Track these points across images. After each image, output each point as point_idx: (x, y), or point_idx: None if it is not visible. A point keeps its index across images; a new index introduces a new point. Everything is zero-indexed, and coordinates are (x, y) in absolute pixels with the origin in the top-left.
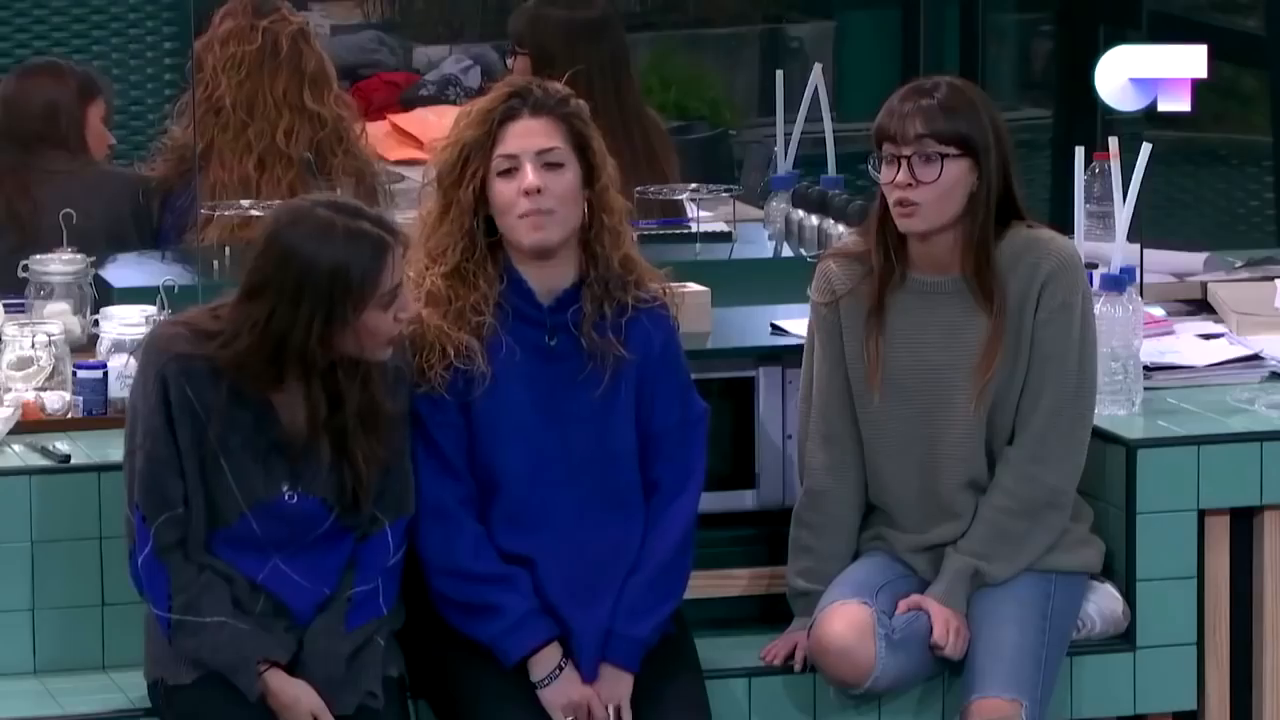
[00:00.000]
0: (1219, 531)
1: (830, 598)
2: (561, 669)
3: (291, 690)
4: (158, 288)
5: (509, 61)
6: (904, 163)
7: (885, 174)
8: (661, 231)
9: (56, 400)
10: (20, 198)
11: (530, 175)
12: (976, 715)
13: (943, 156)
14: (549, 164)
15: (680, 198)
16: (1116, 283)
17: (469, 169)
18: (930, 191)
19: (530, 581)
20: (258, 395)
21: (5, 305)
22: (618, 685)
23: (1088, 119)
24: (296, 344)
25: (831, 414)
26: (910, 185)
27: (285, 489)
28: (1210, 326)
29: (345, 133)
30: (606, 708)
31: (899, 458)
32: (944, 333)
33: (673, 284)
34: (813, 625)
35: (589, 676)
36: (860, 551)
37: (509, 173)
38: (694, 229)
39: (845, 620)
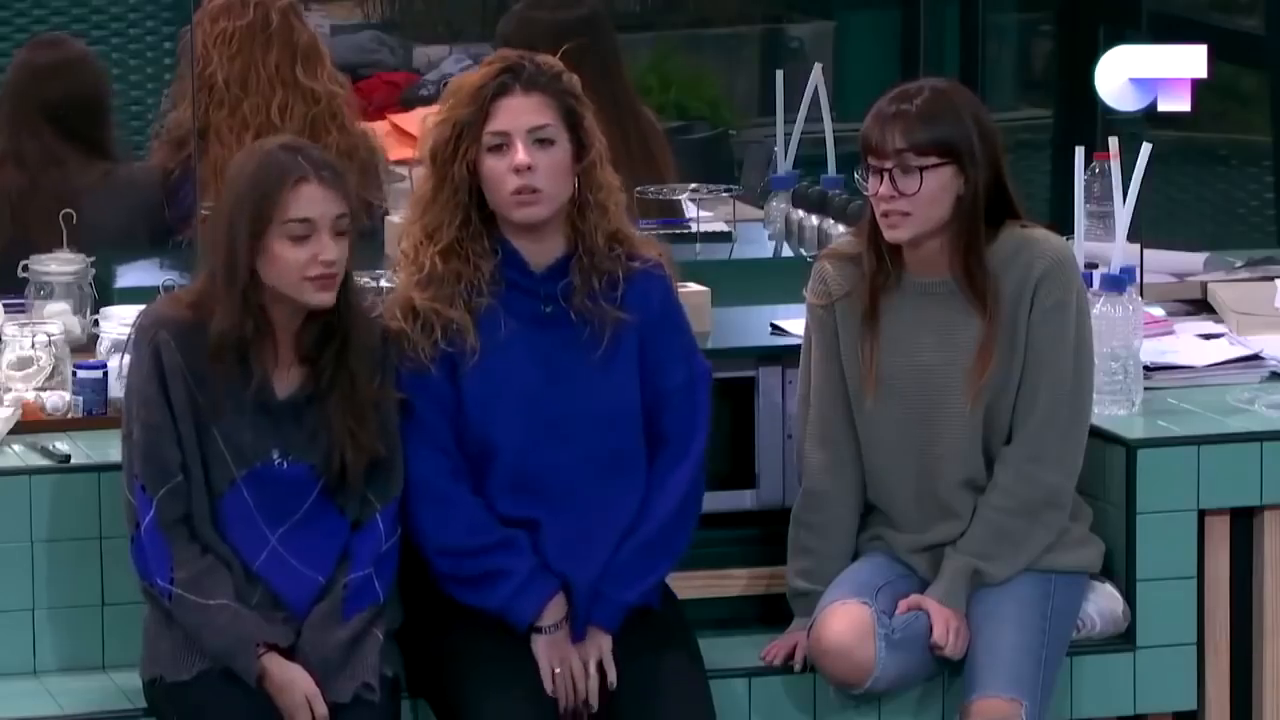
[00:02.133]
0: (1219, 531)
1: (830, 598)
2: (559, 627)
3: (287, 673)
4: (158, 287)
5: None
6: (886, 175)
7: (870, 185)
8: (661, 231)
9: (56, 400)
10: (42, 209)
11: (521, 153)
12: (976, 715)
13: (921, 169)
14: (540, 140)
15: (680, 198)
16: (1116, 283)
17: (461, 145)
18: (913, 202)
19: (529, 541)
20: (246, 355)
21: (5, 305)
22: (597, 643)
23: (1088, 119)
24: (233, 262)
25: (829, 414)
26: (893, 197)
27: (275, 454)
28: (1210, 326)
29: (339, 110)
30: (586, 664)
31: (896, 458)
32: (939, 334)
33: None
34: (812, 625)
35: (578, 634)
36: (860, 551)
37: (499, 149)
38: (694, 229)
39: (845, 620)
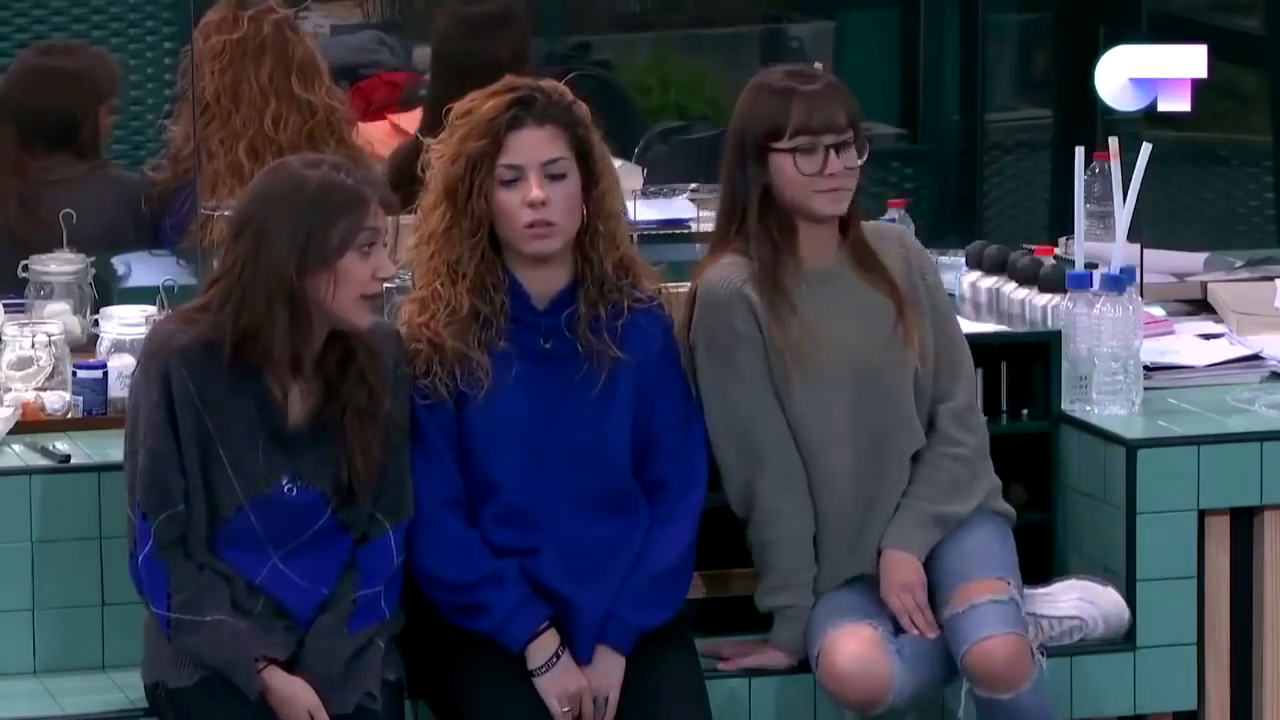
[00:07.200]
0: (1219, 531)
1: (832, 624)
2: (559, 656)
3: (289, 687)
4: (158, 288)
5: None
6: (831, 152)
7: (808, 166)
8: (661, 232)
9: (56, 400)
10: (27, 208)
11: (535, 187)
12: (971, 594)
13: (857, 140)
14: (552, 174)
15: (680, 198)
16: (1116, 283)
17: (476, 178)
18: (853, 174)
19: (517, 570)
20: (256, 379)
21: (5, 305)
22: (610, 670)
23: (1088, 119)
24: (278, 274)
25: (765, 430)
26: (842, 173)
27: (284, 481)
28: (1210, 326)
29: (338, 124)
30: (595, 701)
31: (845, 449)
32: (853, 314)
33: (670, 284)
34: (819, 652)
35: (585, 656)
36: (829, 587)
37: (512, 182)
38: (694, 229)
39: (856, 642)
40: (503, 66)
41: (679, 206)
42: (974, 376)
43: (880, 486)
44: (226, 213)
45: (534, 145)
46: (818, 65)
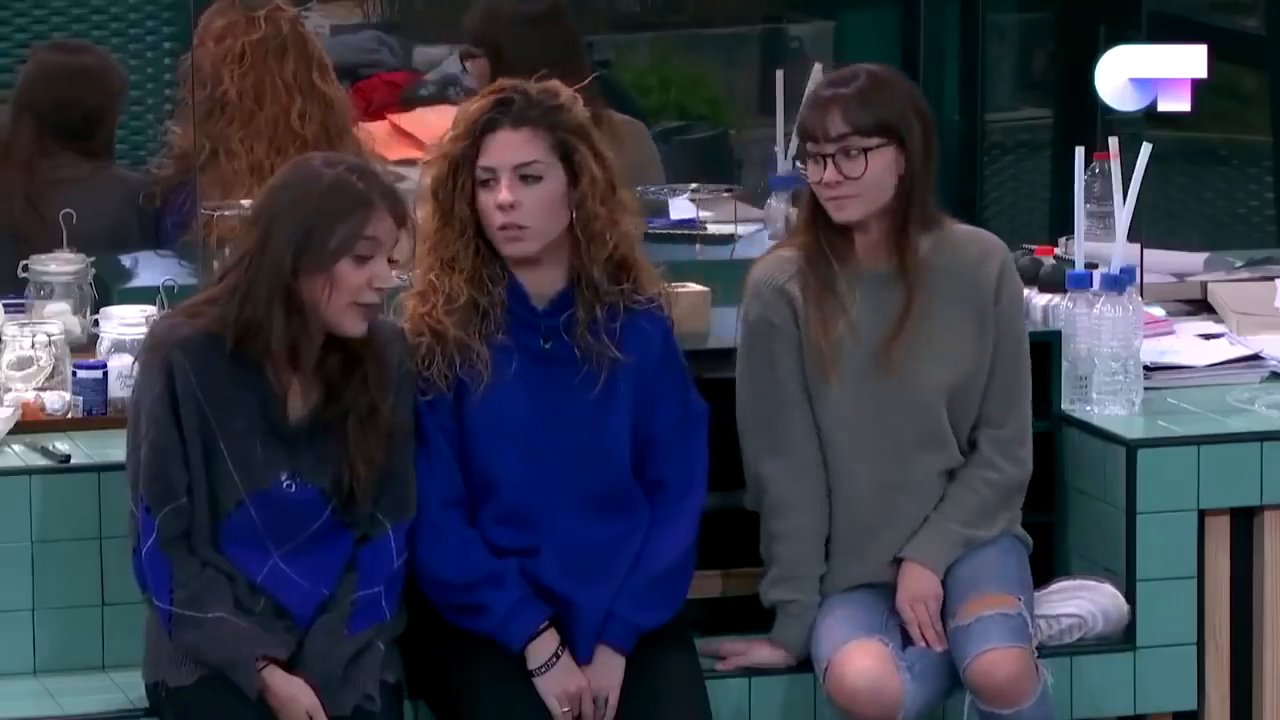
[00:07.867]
0: (1219, 531)
1: (842, 638)
2: (559, 656)
3: (289, 688)
4: (158, 288)
5: (466, 65)
6: (829, 160)
7: (812, 173)
8: (661, 231)
9: (56, 400)
10: (33, 206)
11: (504, 190)
12: (978, 606)
13: (865, 150)
14: (526, 177)
15: (680, 198)
16: (1116, 283)
17: (458, 180)
18: (860, 184)
19: (517, 570)
20: (258, 374)
21: (5, 305)
22: (610, 669)
23: (1088, 119)
24: (277, 269)
25: (788, 424)
26: (839, 182)
27: (284, 477)
28: (1210, 326)
29: (345, 119)
30: (595, 700)
31: (868, 453)
32: (895, 323)
33: (673, 284)
34: (828, 667)
35: (585, 656)
36: (837, 589)
37: (487, 183)
38: (703, 230)
39: (868, 658)
40: (556, 64)
41: (679, 206)
42: (1029, 411)
43: (901, 499)
44: (228, 213)
45: (508, 148)
46: (818, 65)
